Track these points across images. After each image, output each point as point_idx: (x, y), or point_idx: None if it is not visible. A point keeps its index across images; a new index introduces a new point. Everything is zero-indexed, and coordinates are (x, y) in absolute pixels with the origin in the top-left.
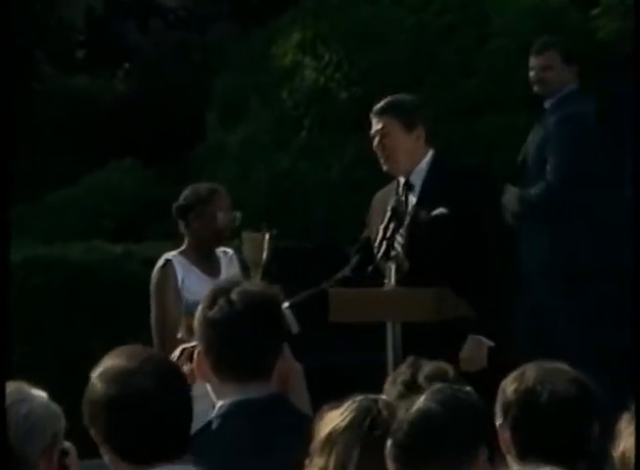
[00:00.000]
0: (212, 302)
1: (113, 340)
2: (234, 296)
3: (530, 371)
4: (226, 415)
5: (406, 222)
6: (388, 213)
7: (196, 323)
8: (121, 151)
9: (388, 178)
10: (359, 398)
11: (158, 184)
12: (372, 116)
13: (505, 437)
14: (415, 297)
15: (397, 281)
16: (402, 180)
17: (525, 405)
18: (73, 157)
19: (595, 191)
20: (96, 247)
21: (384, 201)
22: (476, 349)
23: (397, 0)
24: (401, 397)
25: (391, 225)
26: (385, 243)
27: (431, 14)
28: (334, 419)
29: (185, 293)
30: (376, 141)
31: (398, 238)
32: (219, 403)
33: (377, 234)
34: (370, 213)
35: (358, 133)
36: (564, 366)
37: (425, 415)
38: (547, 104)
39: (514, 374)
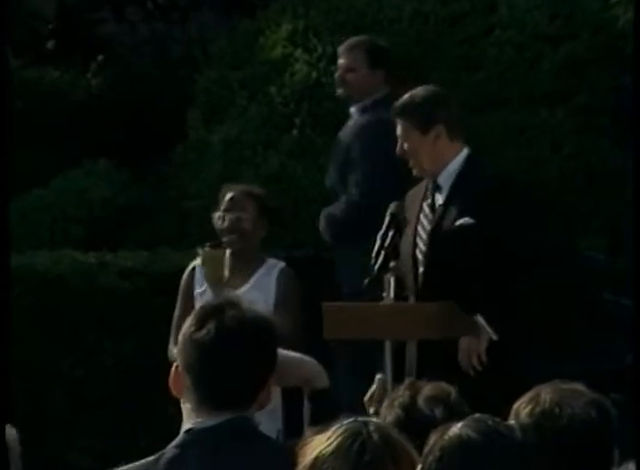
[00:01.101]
0: (202, 322)
1: (84, 357)
2: (226, 319)
3: (546, 393)
4: (182, 445)
5: (430, 227)
6: (387, 219)
7: (180, 338)
8: (94, 151)
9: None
10: (348, 420)
11: (134, 187)
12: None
13: None
14: (417, 313)
15: (415, 294)
16: (431, 182)
17: (543, 429)
18: (42, 158)
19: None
20: (67, 256)
21: (414, 200)
22: (475, 337)
23: None
24: (399, 421)
25: (390, 233)
26: (382, 252)
27: (432, 2)
28: (320, 443)
29: (198, 304)
30: (398, 146)
31: (420, 245)
32: (184, 428)
33: (409, 235)
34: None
35: None
36: (580, 387)
37: (463, 443)
38: (352, 109)
39: (528, 396)
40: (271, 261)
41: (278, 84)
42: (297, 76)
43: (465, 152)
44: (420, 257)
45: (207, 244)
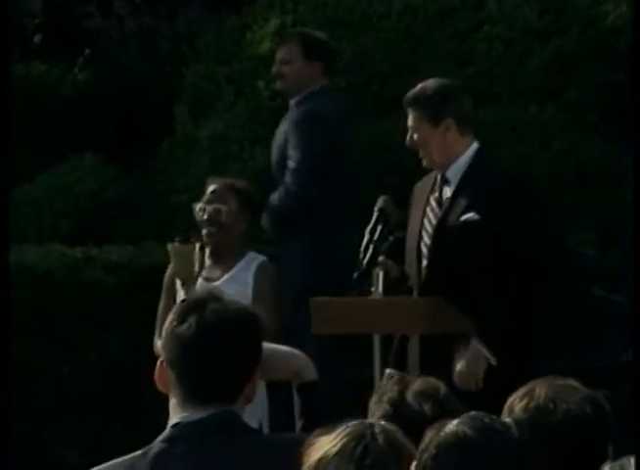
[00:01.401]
0: (184, 316)
1: (71, 353)
2: (208, 313)
3: (540, 388)
4: (169, 439)
5: (436, 221)
6: (375, 214)
7: (163, 332)
8: (81, 146)
9: (378, 178)
10: (354, 422)
11: (121, 182)
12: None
13: None
14: (405, 307)
15: (419, 288)
16: (439, 174)
17: (537, 425)
18: (28, 152)
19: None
20: (54, 251)
21: (422, 192)
22: (473, 363)
23: None
24: (387, 417)
25: (378, 227)
26: (371, 247)
27: None
28: (325, 444)
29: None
30: (408, 136)
31: (425, 238)
32: (171, 422)
33: (415, 227)
34: (410, 205)
35: None
36: (575, 383)
37: (459, 440)
38: (291, 102)
39: (522, 391)
40: (251, 255)
41: (265, 79)
42: None
43: (474, 146)
44: (424, 250)
45: (177, 239)
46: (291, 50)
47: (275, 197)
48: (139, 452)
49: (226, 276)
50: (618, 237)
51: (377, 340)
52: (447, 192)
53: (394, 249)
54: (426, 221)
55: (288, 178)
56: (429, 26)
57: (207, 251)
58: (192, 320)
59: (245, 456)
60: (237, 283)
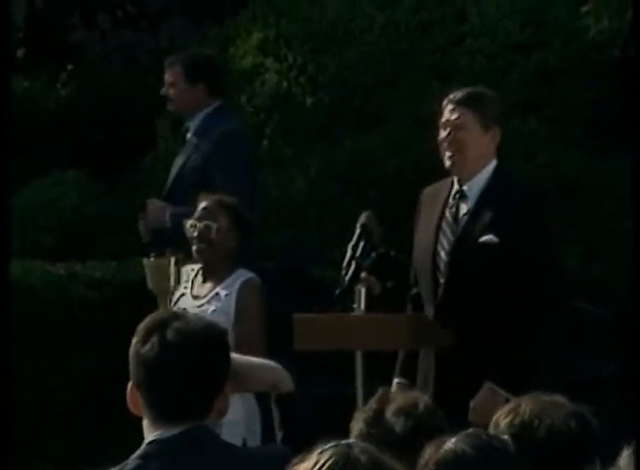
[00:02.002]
0: (146, 336)
1: (54, 369)
2: (169, 333)
3: (526, 404)
4: (143, 456)
5: (453, 238)
6: (358, 230)
7: (129, 355)
8: (64, 160)
9: (361, 193)
10: (329, 444)
11: (104, 197)
12: (446, 103)
13: None
14: (388, 324)
15: (435, 304)
16: (456, 186)
17: (522, 441)
18: (10, 167)
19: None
20: (37, 267)
21: (434, 201)
22: (490, 400)
23: None
24: (362, 435)
25: (361, 243)
26: (353, 263)
27: (404, 10)
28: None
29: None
30: (445, 132)
31: (442, 254)
32: (146, 441)
33: (428, 240)
34: (418, 211)
35: (325, 143)
36: (561, 399)
37: (458, 457)
38: (189, 123)
39: (508, 407)
40: (239, 272)
41: (248, 94)
42: (267, 86)
43: (494, 163)
44: (441, 267)
45: (152, 254)
46: (174, 72)
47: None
48: (115, 469)
49: (212, 293)
50: (601, 250)
51: (359, 356)
52: (464, 207)
53: (377, 265)
54: (442, 237)
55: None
56: (411, 40)
57: (193, 267)
58: (154, 340)
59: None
60: (219, 300)
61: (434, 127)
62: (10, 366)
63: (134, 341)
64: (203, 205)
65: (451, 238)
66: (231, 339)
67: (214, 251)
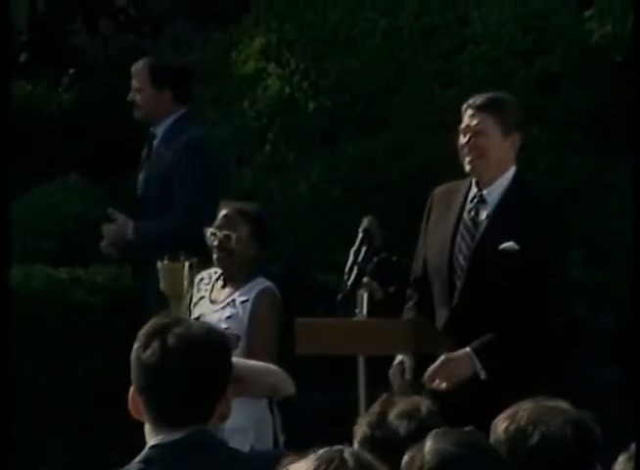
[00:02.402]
0: (147, 342)
1: (55, 374)
2: (170, 338)
3: (524, 410)
4: (145, 460)
5: (473, 244)
6: (360, 235)
7: (131, 360)
8: (66, 166)
9: (363, 198)
10: (324, 449)
11: (105, 202)
12: (466, 108)
13: None
14: (390, 329)
15: (451, 309)
16: (474, 189)
17: (514, 447)
18: (13, 173)
19: None
20: (39, 272)
21: (447, 202)
22: (460, 362)
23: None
24: (365, 438)
25: (363, 248)
26: (355, 268)
27: (406, 16)
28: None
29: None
30: (466, 138)
31: (460, 258)
32: (148, 445)
33: (444, 244)
34: (427, 214)
35: (328, 148)
36: (564, 405)
37: (444, 458)
38: (156, 130)
39: (508, 411)
40: (258, 280)
41: (250, 99)
42: (269, 91)
43: (513, 169)
44: (459, 271)
45: (166, 257)
46: (140, 78)
47: (160, 224)
48: None
49: (228, 299)
50: (603, 255)
51: (361, 361)
52: (484, 212)
53: (379, 270)
54: (459, 240)
55: (178, 208)
56: (413, 46)
57: (216, 271)
58: (155, 346)
59: None
60: (235, 307)
61: (437, 132)
62: (10, 369)
63: (135, 346)
64: (223, 213)
65: (470, 243)
66: (243, 345)
67: (234, 259)
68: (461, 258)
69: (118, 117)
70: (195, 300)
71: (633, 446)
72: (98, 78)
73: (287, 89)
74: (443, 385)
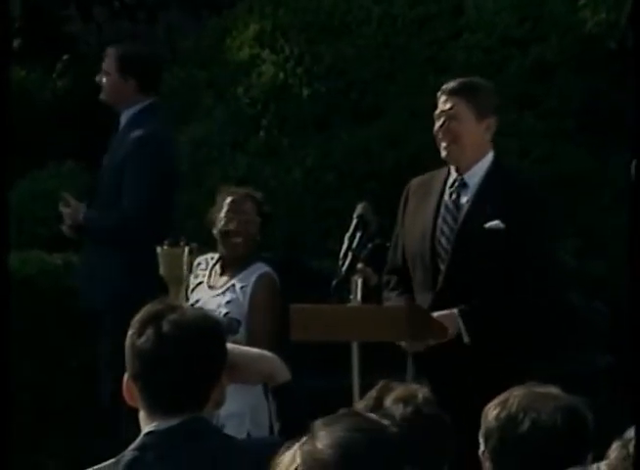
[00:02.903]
0: (142, 328)
1: (50, 359)
2: (165, 325)
3: (515, 397)
4: (140, 447)
5: (457, 226)
6: (354, 221)
7: (126, 347)
8: (60, 153)
9: (357, 185)
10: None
11: None
12: (440, 94)
13: (485, 467)
14: (384, 315)
15: (435, 291)
16: (454, 175)
17: (505, 435)
18: (6, 159)
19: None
20: (34, 258)
21: (426, 190)
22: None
23: None
24: None
25: (357, 234)
26: (350, 254)
27: (401, 4)
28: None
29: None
30: (440, 122)
31: (442, 241)
32: (143, 432)
33: (426, 228)
34: (404, 204)
35: (322, 134)
36: (555, 391)
37: (341, 446)
38: (120, 118)
39: (499, 398)
40: (257, 266)
41: (245, 85)
42: (264, 77)
43: (492, 153)
44: (442, 254)
45: (166, 242)
46: (109, 62)
47: (109, 216)
48: (111, 461)
49: (228, 284)
50: (598, 244)
51: (355, 348)
52: (465, 195)
53: (373, 256)
54: (441, 223)
55: (126, 201)
56: (408, 33)
57: (212, 256)
58: (149, 332)
59: (215, 461)
60: (234, 292)
61: (431, 120)
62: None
63: (130, 333)
64: (230, 198)
65: (453, 225)
66: (243, 330)
67: (248, 244)
68: (444, 240)
69: None
70: (192, 285)
71: (627, 434)
72: (92, 65)
73: (281, 75)
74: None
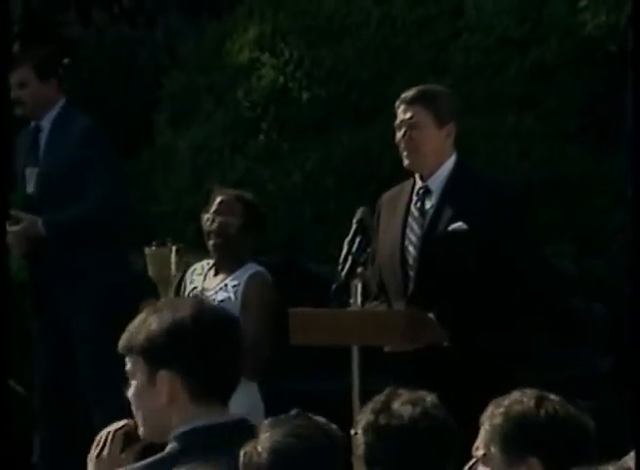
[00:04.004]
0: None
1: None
2: (206, 311)
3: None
4: (189, 442)
5: (421, 232)
6: (354, 226)
7: (174, 340)
8: None
9: (357, 188)
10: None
11: None
12: (399, 104)
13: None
14: (384, 319)
15: (407, 298)
16: (419, 183)
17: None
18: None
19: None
20: None
21: (394, 203)
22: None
23: None
24: (370, 424)
25: (357, 239)
26: (350, 259)
27: (400, 6)
28: None
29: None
30: (401, 132)
31: (410, 248)
32: (186, 427)
33: (394, 238)
34: (377, 219)
35: (322, 137)
36: (551, 395)
37: (276, 451)
38: (40, 122)
39: (495, 402)
40: (249, 265)
41: (245, 89)
42: (263, 81)
43: (454, 157)
44: (410, 261)
45: (153, 243)
46: (24, 73)
47: (76, 211)
48: (160, 455)
49: (221, 285)
50: (597, 246)
51: (355, 352)
52: (429, 201)
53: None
54: (409, 232)
55: (92, 196)
56: (407, 35)
57: (208, 262)
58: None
59: None
60: (227, 291)
61: None
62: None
63: (179, 317)
64: (219, 199)
65: (418, 231)
66: None
67: (230, 246)
68: (411, 248)
69: (112, 107)
70: (188, 290)
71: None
72: (91, 68)
73: (281, 79)
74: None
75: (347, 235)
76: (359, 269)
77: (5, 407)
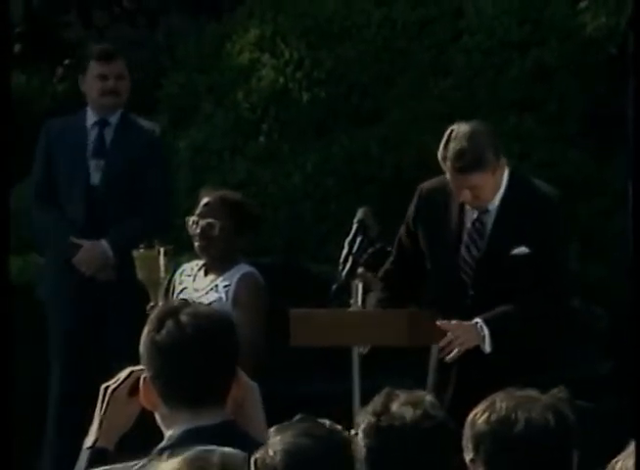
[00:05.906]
0: (160, 324)
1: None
2: (183, 318)
3: (501, 400)
4: (177, 445)
5: (479, 255)
6: (355, 226)
7: (141, 348)
8: None
9: (357, 189)
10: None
11: None
12: (451, 170)
13: None
14: (385, 319)
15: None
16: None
17: (499, 436)
18: (7, 164)
19: None
20: (34, 263)
21: (440, 200)
22: (468, 331)
23: None
24: (370, 426)
25: (358, 239)
26: (350, 259)
27: (401, 7)
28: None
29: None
30: (466, 194)
31: (466, 268)
32: (169, 433)
33: (449, 253)
34: (416, 209)
35: (322, 139)
36: (536, 393)
37: (293, 454)
38: (108, 117)
39: (483, 405)
40: (240, 266)
41: (245, 90)
42: (264, 82)
43: (507, 171)
44: (467, 280)
45: (142, 245)
46: (123, 66)
47: (140, 223)
48: (142, 461)
49: (211, 285)
50: (598, 249)
51: (355, 352)
52: (489, 221)
53: (374, 261)
54: (464, 251)
55: (158, 202)
56: (408, 37)
57: (197, 263)
58: (169, 325)
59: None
60: (218, 291)
61: (431, 123)
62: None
63: (147, 330)
64: (205, 201)
65: (475, 253)
66: None
67: (215, 248)
68: (468, 268)
69: None
70: (177, 291)
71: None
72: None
73: (281, 80)
74: (453, 353)
75: (347, 235)
76: (360, 270)
77: (5, 411)
